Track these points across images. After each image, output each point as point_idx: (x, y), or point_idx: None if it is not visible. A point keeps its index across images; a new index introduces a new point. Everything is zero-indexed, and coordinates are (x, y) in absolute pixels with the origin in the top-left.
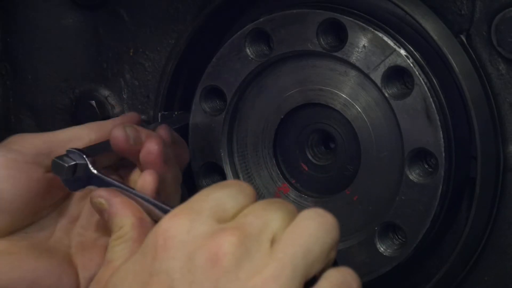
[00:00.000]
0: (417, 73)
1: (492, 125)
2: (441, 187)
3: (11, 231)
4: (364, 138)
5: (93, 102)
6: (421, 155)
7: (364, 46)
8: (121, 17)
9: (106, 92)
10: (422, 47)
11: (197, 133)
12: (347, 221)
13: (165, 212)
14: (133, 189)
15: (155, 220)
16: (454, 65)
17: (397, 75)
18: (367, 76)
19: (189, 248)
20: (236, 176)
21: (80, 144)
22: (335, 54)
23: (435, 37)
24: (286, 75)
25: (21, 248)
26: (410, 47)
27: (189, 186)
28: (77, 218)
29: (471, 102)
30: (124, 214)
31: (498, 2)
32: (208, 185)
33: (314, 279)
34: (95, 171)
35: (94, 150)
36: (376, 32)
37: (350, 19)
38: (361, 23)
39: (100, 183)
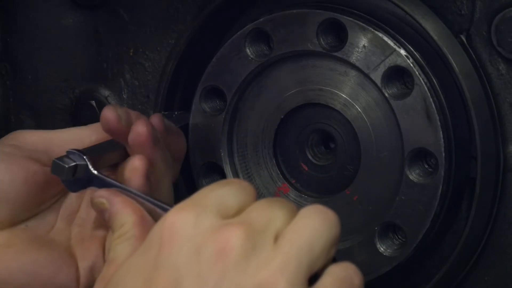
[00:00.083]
0: (417, 73)
1: (492, 125)
2: (441, 187)
3: (10, 224)
4: (364, 138)
5: (93, 102)
6: (421, 155)
7: (364, 46)
8: (121, 17)
9: (106, 92)
10: (422, 47)
11: (197, 133)
12: (347, 221)
13: (167, 211)
14: (134, 189)
15: (157, 220)
16: (454, 65)
17: (397, 75)
18: (367, 76)
19: (196, 241)
20: (236, 176)
21: (80, 145)
22: (335, 54)
23: (435, 37)
24: (286, 75)
25: (22, 240)
26: (410, 47)
27: (189, 186)
28: (77, 210)
29: (471, 102)
30: (125, 212)
31: (498, 2)
32: (208, 185)
33: (316, 276)
34: (95, 172)
35: (94, 151)
36: (376, 32)
37: (350, 19)
38: (361, 23)
39: (100, 184)
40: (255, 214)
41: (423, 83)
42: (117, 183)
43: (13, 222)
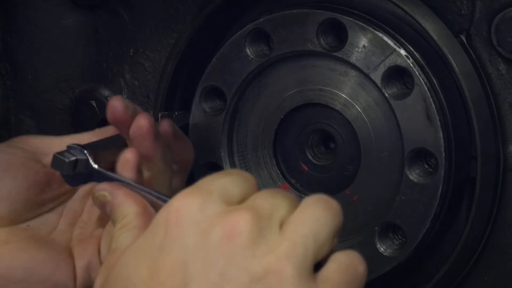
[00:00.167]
0: (417, 73)
1: (492, 125)
2: (441, 187)
3: (11, 222)
4: (364, 138)
5: (93, 102)
6: (421, 155)
7: (364, 46)
8: (121, 17)
9: (106, 92)
10: (422, 47)
11: (197, 133)
12: (347, 221)
13: None
14: (136, 182)
15: None
16: (454, 65)
17: (397, 75)
18: (367, 76)
19: (203, 225)
20: None
21: None
22: (335, 54)
23: (435, 37)
24: (286, 75)
25: (21, 238)
26: (410, 47)
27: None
28: (80, 213)
29: (471, 102)
30: (128, 203)
31: (498, 2)
32: None
33: (319, 264)
34: (96, 166)
35: (96, 146)
36: (376, 32)
37: (350, 19)
38: (361, 23)
39: (101, 178)
40: (260, 201)
41: (423, 83)
42: (118, 177)
43: (14, 221)
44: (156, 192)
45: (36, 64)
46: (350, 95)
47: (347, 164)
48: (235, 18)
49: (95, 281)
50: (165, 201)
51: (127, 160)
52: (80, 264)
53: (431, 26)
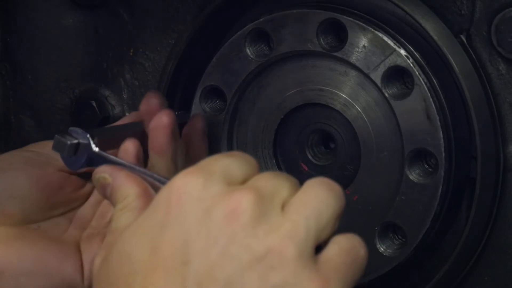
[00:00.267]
0: (417, 73)
1: (492, 125)
2: (441, 187)
3: (23, 221)
4: (364, 138)
5: (93, 102)
6: (421, 155)
7: (364, 46)
8: (121, 17)
9: (106, 92)
10: (422, 47)
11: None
12: (347, 221)
13: None
14: (138, 165)
15: None
16: (454, 65)
17: (397, 75)
18: (367, 76)
19: (205, 204)
20: None
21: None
22: (335, 54)
23: (435, 37)
24: (286, 75)
25: (32, 234)
26: (410, 47)
27: None
28: (90, 220)
29: (471, 102)
30: (128, 185)
31: (498, 2)
32: None
33: (320, 247)
34: (97, 149)
35: (103, 131)
36: (376, 32)
37: (350, 19)
38: (361, 23)
39: (103, 162)
40: (262, 182)
41: (423, 83)
42: (120, 160)
43: (25, 220)
44: (158, 175)
45: (36, 64)
46: (350, 95)
47: (347, 164)
48: (235, 18)
49: (94, 261)
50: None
51: (126, 149)
52: (87, 258)
53: (431, 26)
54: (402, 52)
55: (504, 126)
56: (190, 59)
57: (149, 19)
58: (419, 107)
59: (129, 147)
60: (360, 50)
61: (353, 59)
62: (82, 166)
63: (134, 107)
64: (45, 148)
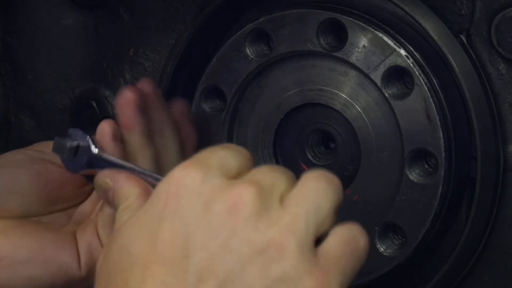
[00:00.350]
0: (417, 73)
1: (492, 125)
2: (441, 187)
3: (22, 215)
4: (364, 138)
5: (93, 102)
6: (421, 155)
7: (364, 46)
8: (121, 17)
9: (106, 92)
10: (422, 47)
11: (197, 133)
12: (347, 221)
13: None
14: (139, 167)
15: None
16: (454, 65)
17: (397, 75)
18: (367, 76)
19: (204, 197)
20: None
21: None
22: (335, 54)
23: (435, 37)
24: (286, 75)
25: (29, 224)
26: (410, 47)
27: None
28: (89, 216)
29: (471, 102)
30: (130, 186)
31: (498, 2)
32: None
33: (320, 240)
34: (96, 151)
35: None
36: (376, 32)
37: (350, 19)
38: (361, 23)
39: (103, 164)
40: (260, 175)
41: (423, 83)
42: (120, 161)
43: (25, 214)
44: (159, 176)
45: (36, 64)
46: (350, 95)
47: (347, 164)
48: (235, 18)
49: (98, 258)
50: None
51: (102, 130)
52: (82, 245)
53: (431, 26)
54: (402, 52)
55: (504, 126)
56: (190, 59)
57: (149, 19)
58: (419, 107)
59: (104, 127)
60: (360, 50)
61: (353, 59)
62: (82, 169)
63: None
64: (48, 148)
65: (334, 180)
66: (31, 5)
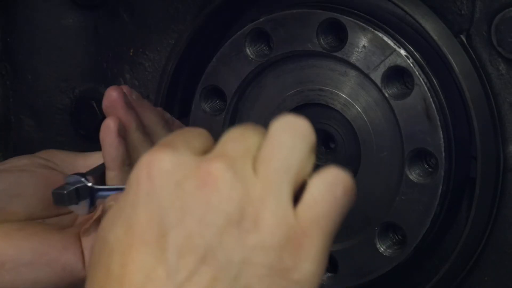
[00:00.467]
0: (417, 73)
1: (492, 125)
2: (441, 187)
3: (27, 217)
4: (364, 138)
5: (93, 102)
6: (421, 155)
7: (364, 46)
8: (121, 17)
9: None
10: (422, 47)
11: None
12: (347, 221)
13: None
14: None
15: None
16: (454, 65)
17: (397, 75)
18: (367, 76)
19: (176, 177)
20: None
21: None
22: (335, 54)
23: (435, 37)
24: (286, 75)
25: (33, 226)
26: (410, 47)
27: None
28: (93, 216)
29: (471, 102)
30: None
31: (498, 2)
32: None
33: (302, 188)
34: (97, 186)
35: (92, 171)
36: (376, 32)
37: (350, 19)
38: (361, 23)
39: (105, 194)
40: (230, 144)
41: (423, 83)
42: (121, 186)
43: (30, 217)
44: None
45: (36, 64)
46: (350, 95)
47: (347, 164)
48: (235, 18)
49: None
50: None
51: (107, 126)
52: (86, 245)
53: (431, 26)
54: (402, 52)
55: (504, 126)
56: (190, 59)
57: (149, 19)
58: (419, 107)
59: (109, 124)
60: (360, 50)
61: (353, 59)
62: (92, 206)
63: None
64: (54, 157)
65: (299, 124)
66: (31, 5)
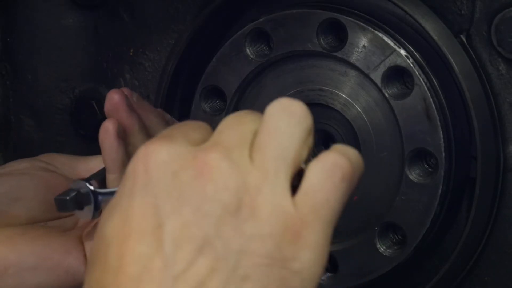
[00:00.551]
0: (417, 73)
1: (492, 125)
2: (441, 187)
3: (28, 221)
4: (364, 138)
5: (93, 102)
6: (421, 155)
7: (364, 46)
8: (121, 17)
9: (106, 92)
10: (422, 47)
11: None
12: (347, 221)
13: None
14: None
15: None
16: (454, 65)
17: (397, 75)
18: (367, 76)
19: (172, 167)
20: None
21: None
22: (335, 54)
23: (435, 37)
24: (286, 75)
25: (35, 230)
26: (410, 47)
27: None
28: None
29: (471, 102)
30: None
31: (498, 2)
32: None
33: (301, 174)
34: (100, 190)
35: (95, 175)
36: (376, 32)
37: (350, 19)
38: (361, 23)
39: (109, 197)
40: (227, 131)
41: (423, 83)
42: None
43: (31, 220)
44: None
45: (36, 64)
46: (350, 95)
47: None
48: (235, 18)
49: None
50: None
51: (106, 128)
52: (88, 248)
53: (431, 26)
54: (402, 52)
55: (504, 126)
56: (190, 59)
57: (149, 19)
58: (419, 107)
59: (108, 126)
60: (360, 50)
61: (353, 59)
62: (96, 212)
63: None
64: (54, 160)
65: (294, 108)
66: (31, 5)
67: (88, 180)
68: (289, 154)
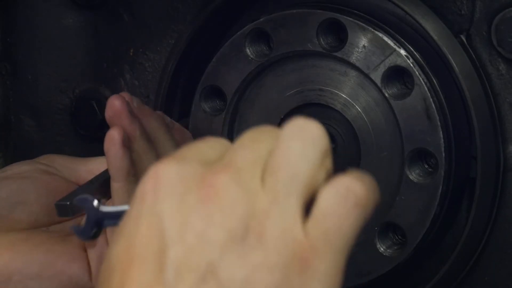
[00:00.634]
0: (417, 73)
1: (492, 125)
2: (441, 187)
3: (30, 225)
4: (364, 138)
5: (93, 102)
6: (421, 155)
7: (364, 46)
8: (121, 17)
9: (106, 92)
10: (422, 47)
11: (197, 133)
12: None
13: None
14: None
15: None
16: (454, 65)
17: (397, 75)
18: (367, 76)
19: (179, 189)
20: None
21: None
22: (335, 54)
23: (435, 37)
24: (286, 75)
25: (39, 236)
26: (410, 47)
27: None
28: None
29: (471, 102)
30: None
31: (498, 2)
32: None
33: (312, 201)
34: (103, 210)
35: (102, 177)
36: (376, 32)
37: (350, 19)
38: (361, 23)
39: (112, 216)
40: (240, 151)
41: (423, 83)
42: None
43: (33, 225)
44: None
45: (36, 64)
46: (350, 95)
47: (347, 164)
48: (235, 18)
49: None
50: None
51: (111, 137)
52: (92, 256)
53: (431, 26)
54: (402, 52)
55: (504, 126)
56: (190, 59)
57: (149, 19)
58: (419, 107)
59: (114, 134)
60: (360, 50)
61: (353, 59)
62: (97, 231)
63: None
64: (54, 162)
65: (312, 130)
66: (31, 5)
67: (91, 188)
68: (302, 178)
